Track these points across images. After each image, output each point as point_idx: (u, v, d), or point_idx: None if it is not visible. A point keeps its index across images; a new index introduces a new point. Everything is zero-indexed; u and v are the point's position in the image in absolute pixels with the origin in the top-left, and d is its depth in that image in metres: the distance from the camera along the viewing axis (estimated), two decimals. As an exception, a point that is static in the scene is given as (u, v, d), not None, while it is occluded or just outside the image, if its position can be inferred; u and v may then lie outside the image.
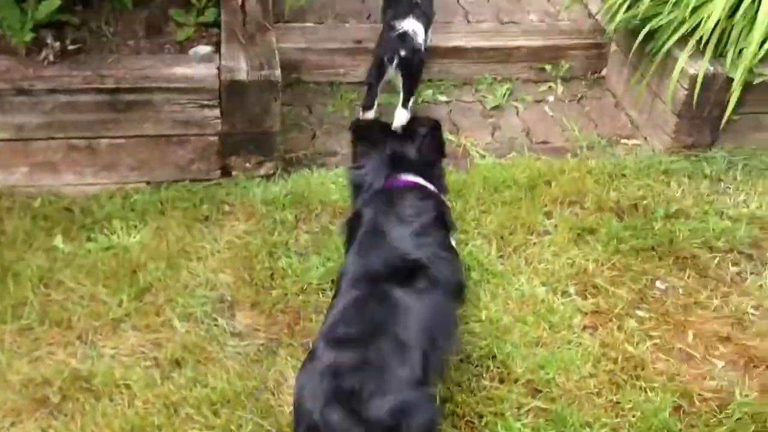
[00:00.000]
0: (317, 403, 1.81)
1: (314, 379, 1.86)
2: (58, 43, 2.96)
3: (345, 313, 2.04)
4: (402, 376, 1.89)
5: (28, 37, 2.96)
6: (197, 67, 3.04)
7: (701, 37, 3.25)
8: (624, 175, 3.38)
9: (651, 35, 3.42)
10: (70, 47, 3.01)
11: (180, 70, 3.01)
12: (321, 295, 2.72)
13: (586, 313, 2.76)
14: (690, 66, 3.31)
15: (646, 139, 3.67)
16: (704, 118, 3.44)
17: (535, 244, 3.02)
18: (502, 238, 3.02)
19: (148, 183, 3.13)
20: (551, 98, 3.92)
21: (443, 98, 3.83)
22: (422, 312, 2.06)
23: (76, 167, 3.06)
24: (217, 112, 3.04)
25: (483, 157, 3.48)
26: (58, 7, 2.99)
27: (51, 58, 2.93)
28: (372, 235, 2.25)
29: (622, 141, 3.68)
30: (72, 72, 2.92)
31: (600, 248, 3.01)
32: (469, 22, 4.15)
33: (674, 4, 3.31)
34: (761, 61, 3.26)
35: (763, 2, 3.19)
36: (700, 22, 3.24)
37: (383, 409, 1.79)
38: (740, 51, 3.26)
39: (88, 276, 2.72)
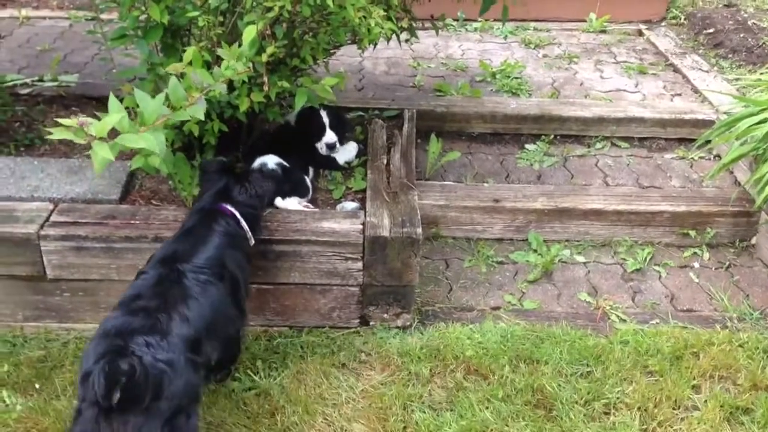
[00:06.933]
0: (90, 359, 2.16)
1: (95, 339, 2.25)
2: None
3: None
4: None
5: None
6: (343, 222, 3.23)
7: None
8: (781, 352, 3.14)
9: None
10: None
11: (327, 225, 3.20)
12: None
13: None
14: None
15: (804, 312, 3.44)
16: None
17: (682, 419, 2.83)
18: (645, 410, 2.86)
19: (290, 327, 3.27)
20: (696, 264, 3.79)
21: (581, 258, 3.80)
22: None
23: (226, 309, 3.24)
24: (359, 264, 3.18)
25: (623, 321, 3.38)
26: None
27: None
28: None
29: (777, 314, 3.47)
30: (232, 222, 3.17)
31: (757, 431, 2.77)
32: (607, 185, 4.18)
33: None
34: None
35: None
36: None
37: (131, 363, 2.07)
38: None
39: (231, 415, 2.81)
